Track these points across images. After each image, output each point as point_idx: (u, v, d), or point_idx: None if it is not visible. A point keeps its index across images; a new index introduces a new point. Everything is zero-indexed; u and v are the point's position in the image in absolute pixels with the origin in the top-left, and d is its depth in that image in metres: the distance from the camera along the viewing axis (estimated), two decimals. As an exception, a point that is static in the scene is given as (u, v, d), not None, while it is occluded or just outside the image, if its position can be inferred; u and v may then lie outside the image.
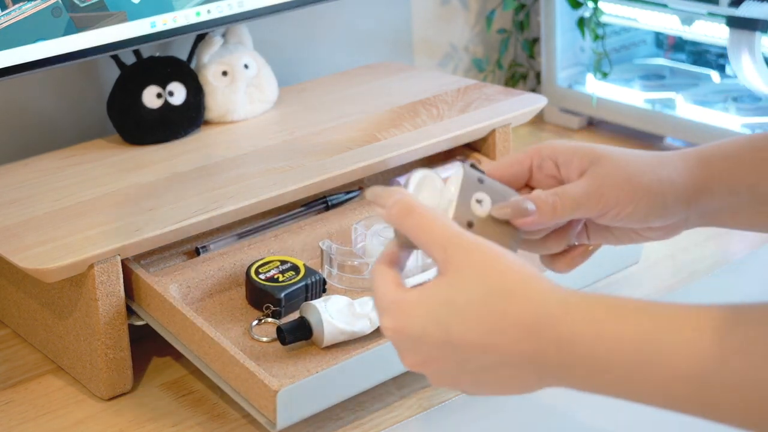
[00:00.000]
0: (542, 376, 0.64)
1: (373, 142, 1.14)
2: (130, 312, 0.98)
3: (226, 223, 1.04)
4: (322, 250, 1.05)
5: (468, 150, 1.22)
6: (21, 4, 1.05)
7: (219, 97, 1.22)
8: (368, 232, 1.06)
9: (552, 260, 0.78)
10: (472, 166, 0.72)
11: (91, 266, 0.93)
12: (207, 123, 1.23)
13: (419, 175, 0.71)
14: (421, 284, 0.67)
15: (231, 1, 1.19)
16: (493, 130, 1.20)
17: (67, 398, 0.98)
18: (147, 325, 0.98)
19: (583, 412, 0.93)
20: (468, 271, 0.65)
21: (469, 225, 0.70)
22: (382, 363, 0.92)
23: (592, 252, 0.78)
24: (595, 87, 1.50)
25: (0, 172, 1.13)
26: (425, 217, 0.67)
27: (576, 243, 0.78)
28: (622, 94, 1.48)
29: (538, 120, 1.56)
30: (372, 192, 0.69)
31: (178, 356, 1.02)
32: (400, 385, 0.97)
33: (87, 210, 1.02)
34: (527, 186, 0.78)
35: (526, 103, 1.24)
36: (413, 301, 0.66)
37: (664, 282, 1.12)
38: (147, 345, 1.02)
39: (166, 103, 1.18)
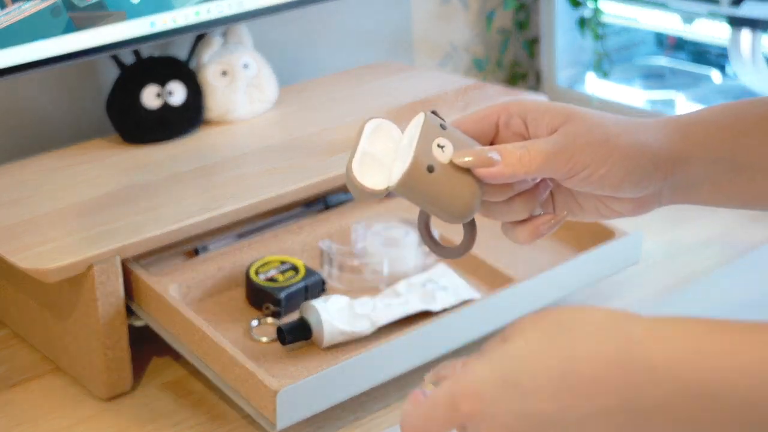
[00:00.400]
0: (636, 416, 0.54)
1: (373, 142, 1.14)
2: (130, 312, 0.97)
3: (225, 223, 1.03)
4: (322, 250, 1.05)
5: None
6: (20, 3, 1.04)
7: (219, 97, 1.22)
8: (368, 232, 1.06)
9: (514, 229, 0.70)
10: (434, 112, 0.67)
11: (91, 266, 0.93)
12: (207, 123, 1.23)
13: (373, 124, 0.67)
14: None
15: (231, 1, 1.19)
16: (493, 130, 1.20)
17: (67, 398, 0.98)
18: (147, 325, 0.98)
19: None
20: (528, 331, 0.58)
21: (430, 170, 0.64)
22: (382, 363, 0.92)
23: (558, 224, 0.71)
24: (595, 87, 1.49)
25: (-1, 172, 1.13)
26: None
27: (541, 212, 0.71)
28: (623, 94, 1.48)
29: (539, 120, 1.56)
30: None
31: (177, 356, 1.02)
32: (400, 385, 0.97)
33: (86, 210, 1.02)
34: (492, 144, 0.70)
35: (526, 103, 1.24)
36: (474, 368, 0.58)
37: (664, 282, 1.12)
38: (147, 345, 1.02)
39: (166, 103, 1.18)
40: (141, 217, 0.99)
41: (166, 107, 1.18)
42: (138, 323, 0.98)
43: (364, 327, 0.94)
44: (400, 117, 1.20)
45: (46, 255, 0.93)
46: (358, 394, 0.92)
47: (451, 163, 0.66)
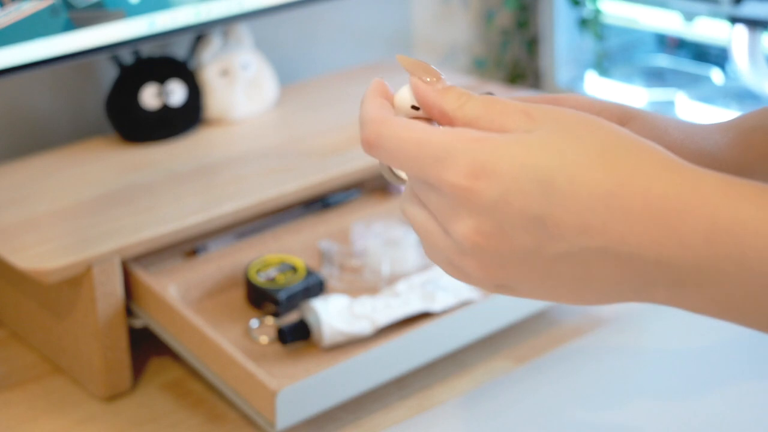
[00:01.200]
0: (658, 278, 0.46)
1: (372, 142, 1.14)
2: (129, 312, 0.97)
3: (225, 224, 1.03)
4: (321, 251, 1.05)
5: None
6: (19, 3, 1.04)
7: (218, 96, 1.22)
8: (368, 232, 1.06)
9: None
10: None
11: (90, 267, 0.93)
12: (206, 123, 1.23)
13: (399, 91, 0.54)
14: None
15: (230, 1, 1.19)
16: (494, 130, 1.20)
17: (66, 399, 0.98)
18: (146, 326, 0.98)
19: (585, 413, 0.93)
20: (573, 123, 0.47)
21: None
22: (382, 363, 0.92)
23: None
24: (595, 86, 1.49)
25: (-1, 172, 1.13)
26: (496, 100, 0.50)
27: None
28: (623, 94, 1.48)
29: (539, 119, 1.56)
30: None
31: (177, 357, 1.02)
32: (401, 385, 0.97)
33: (86, 210, 1.01)
34: None
35: (527, 103, 1.24)
36: (505, 140, 0.47)
37: (665, 282, 1.12)
38: (146, 345, 1.02)
39: (165, 103, 1.18)
40: (140, 217, 0.99)
41: (165, 107, 1.18)
42: (137, 324, 0.98)
43: (364, 328, 0.94)
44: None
45: (45, 255, 0.93)
46: (358, 394, 0.92)
47: None
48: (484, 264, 0.48)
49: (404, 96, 0.53)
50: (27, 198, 1.05)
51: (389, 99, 0.52)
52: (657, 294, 0.48)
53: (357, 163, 1.10)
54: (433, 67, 0.52)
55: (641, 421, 0.91)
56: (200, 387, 0.99)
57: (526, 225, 0.46)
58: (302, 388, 0.86)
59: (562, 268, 0.47)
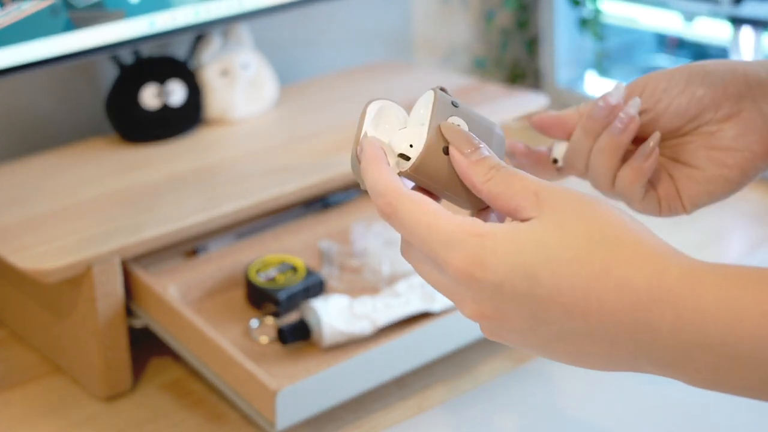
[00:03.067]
0: (640, 357, 0.52)
1: (372, 142, 1.14)
2: (129, 312, 0.97)
3: (225, 224, 1.03)
4: (321, 251, 1.05)
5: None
6: (19, 3, 1.04)
7: (218, 96, 1.22)
8: (368, 232, 1.06)
9: (619, 176, 0.70)
10: (442, 89, 0.62)
11: (90, 267, 0.93)
12: (206, 123, 1.23)
13: (376, 106, 0.61)
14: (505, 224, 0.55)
15: (230, 1, 1.19)
16: (494, 130, 1.20)
17: (66, 399, 0.98)
18: (146, 326, 0.98)
19: (585, 414, 0.93)
20: (568, 213, 0.53)
21: (445, 151, 0.59)
22: (382, 364, 0.92)
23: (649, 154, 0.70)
24: (595, 86, 1.49)
25: (-1, 171, 1.13)
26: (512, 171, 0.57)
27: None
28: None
29: (539, 119, 1.56)
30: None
31: (177, 357, 1.02)
32: (401, 385, 0.97)
33: (85, 210, 1.02)
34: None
35: (527, 103, 1.24)
36: (500, 236, 0.53)
37: (665, 282, 1.12)
38: (146, 345, 1.02)
39: (165, 103, 1.18)
40: (140, 217, 0.99)
41: (165, 107, 1.18)
42: (137, 324, 0.98)
43: (364, 328, 0.94)
44: (400, 117, 1.21)
45: (45, 255, 0.93)
46: (358, 394, 0.92)
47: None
48: (491, 332, 0.56)
49: (397, 144, 0.60)
50: (27, 198, 1.05)
51: (383, 152, 0.60)
52: (648, 369, 0.53)
53: (357, 163, 1.10)
54: (473, 137, 0.59)
55: (641, 420, 0.91)
56: (200, 387, 0.99)
57: (519, 312, 0.54)
58: (302, 388, 0.86)
59: (557, 345, 0.54)
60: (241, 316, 0.99)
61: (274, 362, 0.92)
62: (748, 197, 1.30)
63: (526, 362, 1.00)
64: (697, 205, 0.73)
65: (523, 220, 0.55)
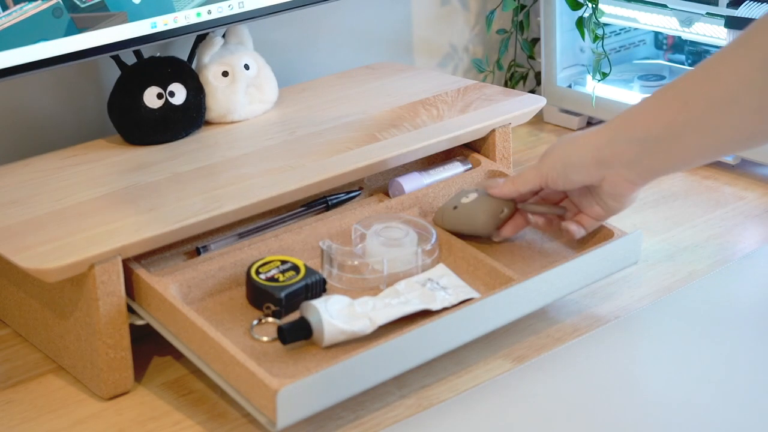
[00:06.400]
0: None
1: (373, 142, 1.15)
2: (131, 311, 0.98)
3: (226, 223, 1.04)
4: (322, 250, 1.05)
5: (468, 150, 1.22)
6: (22, 4, 1.05)
7: (219, 97, 1.22)
8: (368, 232, 1.06)
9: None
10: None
11: (92, 266, 0.93)
12: (207, 123, 1.23)
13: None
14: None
15: (231, 2, 1.19)
16: (493, 130, 1.21)
17: (68, 398, 0.98)
18: (148, 325, 0.98)
19: (585, 414, 0.93)
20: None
21: (454, 208, 1.09)
22: (382, 362, 0.92)
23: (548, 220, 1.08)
24: (594, 87, 1.50)
25: (1, 172, 1.13)
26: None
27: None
28: (622, 95, 1.48)
29: (538, 120, 1.56)
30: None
31: (178, 356, 1.02)
32: (401, 384, 0.97)
33: (88, 210, 1.02)
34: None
35: (526, 104, 1.25)
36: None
37: (664, 282, 1.13)
38: (147, 345, 1.02)
39: (167, 104, 1.18)
40: (142, 217, 1.00)
41: (167, 108, 1.18)
42: (139, 323, 0.98)
43: (364, 326, 0.95)
44: (400, 117, 1.21)
45: (47, 255, 0.93)
46: (359, 393, 0.93)
47: (475, 199, 1.08)
48: None
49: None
50: (30, 198, 1.05)
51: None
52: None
53: (357, 163, 1.10)
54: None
55: (640, 420, 0.91)
56: (202, 386, 0.99)
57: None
58: (303, 387, 0.87)
59: None
60: (242, 315, 1.00)
61: (274, 361, 0.93)
62: (748, 197, 1.30)
63: (526, 362, 1.00)
64: (616, 211, 1.04)
65: None
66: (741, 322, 1.05)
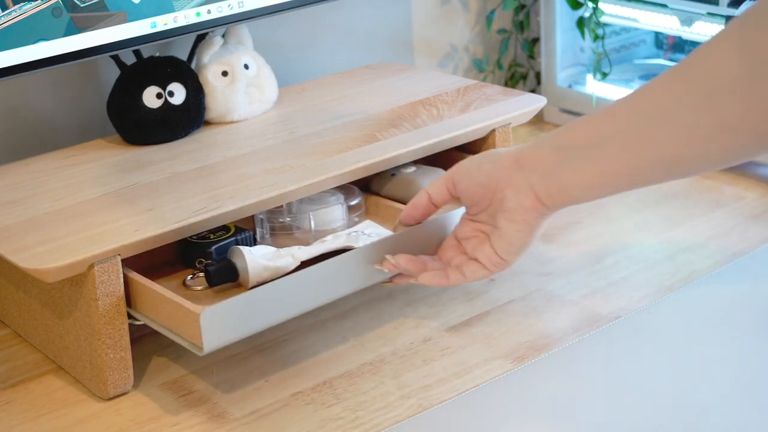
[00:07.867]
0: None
1: (373, 142, 1.15)
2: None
3: (225, 223, 1.04)
4: (253, 217, 1.10)
5: (467, 151, 1.22)
6: (21, 4, 1.05)
7: (219, 97, 1.22)
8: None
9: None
10: None
11: (91, 266, 0.93)
12: (207, 123, 1.23)
13: None
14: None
15: (231, 2, 1.19)
16: (493, 130, 1.20)
17: (68, 398, 0.98)
18: (147, 325, 0.98)
19: (585, 413, 0.93)
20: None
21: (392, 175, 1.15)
22: (302, 291, 0.95)
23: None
24: (594, 87, 1.50)
25: (0, 172, 1.13)
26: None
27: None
28: (622, 95, 1.48)
29: (538, 120, 1.56)
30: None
31: (177, 356, 1.03)
32: (401, 384, 0.97)
33: (87, 210, 1.02)
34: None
35: (526, 103, 1.25)
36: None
37: (664, 282, 1.13)
38: (147, 345, 1.03)
39: (167, 104, 1.18)
40: (141, 216, 1.00)
41: (166, 107, 1.18)
42: (137, 322, 0.98)
43: (287, 262, 0.99)
44: (400, 117, 1.21)
45: (46, 255, 0.93)
46: (283, 319, 0.95)
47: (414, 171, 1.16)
48: None
49: None
50: (29, 198, 1.05)
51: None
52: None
53: (357, 163, 1.10)
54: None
55: (640, 420, 0.91)
56: (201, 386, 0.99)
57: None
58: (223, 310, 0.90)
59: None
60: (177, 274, 1.04)
61: (204, 302, 0.97)
62: (748, 197, 1.30)
63: (526, 362, 1.00)
64: (509, 256, 0.97)
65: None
66: (741, 322, 1.05)
